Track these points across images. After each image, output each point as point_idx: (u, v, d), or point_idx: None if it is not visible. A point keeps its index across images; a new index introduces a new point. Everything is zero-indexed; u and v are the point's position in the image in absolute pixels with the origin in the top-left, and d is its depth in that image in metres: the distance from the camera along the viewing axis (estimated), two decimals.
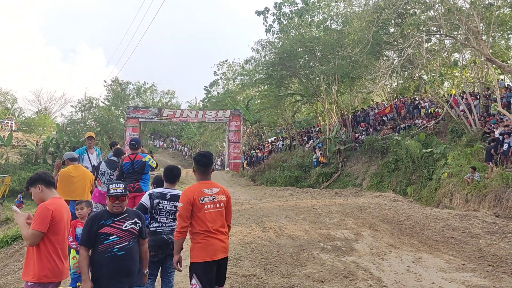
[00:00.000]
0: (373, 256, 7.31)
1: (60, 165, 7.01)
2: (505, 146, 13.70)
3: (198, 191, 3.98)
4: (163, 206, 4.62)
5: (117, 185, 4.00)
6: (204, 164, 4.14)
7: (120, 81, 50.70)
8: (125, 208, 4.02)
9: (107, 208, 4.01)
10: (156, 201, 4.63)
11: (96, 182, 7.74)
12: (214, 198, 4.02)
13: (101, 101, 50.15)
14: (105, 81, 65.98)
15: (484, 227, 9.15)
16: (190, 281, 3.98)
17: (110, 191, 3.94)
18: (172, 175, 4.80)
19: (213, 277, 3.97)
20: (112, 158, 8.18)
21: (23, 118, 62.72)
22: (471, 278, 6.12)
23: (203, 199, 3.96)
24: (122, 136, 35.95)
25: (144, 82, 56.68)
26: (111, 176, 7.65)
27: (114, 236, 3.82)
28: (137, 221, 3.99)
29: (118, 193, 3.93)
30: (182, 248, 4.15)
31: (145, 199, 4.68)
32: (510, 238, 8.24)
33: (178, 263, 4.07)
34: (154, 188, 5.03)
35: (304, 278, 6.13)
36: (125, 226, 3.90)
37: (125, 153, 8.92)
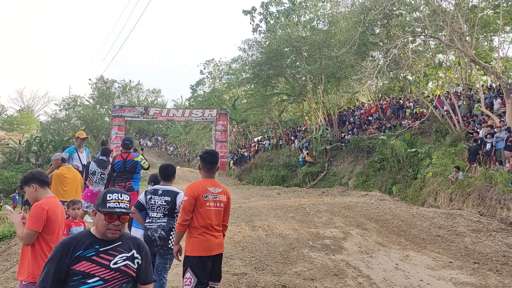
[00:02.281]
0: (361, 254, 7.42)
1: (59, 163, 6.95)
2: (488, 146, 13.98)
3: (203, 188, 4.08)
4: (154, 201, 4.73)
5: (120, 195, 2.59)
6: (210, 161, 4.25)
7: (105, 79, 50.30)
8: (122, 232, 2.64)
9: (92, 230, 2.60)
10: (148, 197, 4.76)
11: (87, 182, 7.72)
12: (216, 197, 4.12)
13: (86, 100, 49.67)
14: (90, 79, 65.21)
15: (469, 225, 9.35)
16: (184, 274, 4.02)
17: (108, 204, 2.52)
18: (167, 173, 4.92)
19: (208, 272, 4.05)
20: (100, 157, 8.19)
21: (5, 117, 61.62)
22: (458, 275, 6.26)
23: (206, 196, 4.06)
24: (108, 134, 35.61)
25: (130, 80, 56.27)
26: (102, 175, 7.65)
27: (96, 279, 2.45)
28: (136, 255, 2.60)
29: (123, 210, 2.54)
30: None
31: (141, 197, 4.83)
32: (495, 236, 8.45)
33: (178, 253, 4.16)
34: (152, 186, 5.09)
35: (294, 276, 6.19)
36: (115, 263, 2.51)
37: (112, 151, 8.93)
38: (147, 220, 4.74)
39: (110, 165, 7.77)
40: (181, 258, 4.17)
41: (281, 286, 5.69)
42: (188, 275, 3.97)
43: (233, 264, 6.70)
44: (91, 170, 7.86)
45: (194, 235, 4.00)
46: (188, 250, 4.03)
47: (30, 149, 40.04)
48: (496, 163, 13.47)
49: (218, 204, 4.12)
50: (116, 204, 2.53)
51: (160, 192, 4.75)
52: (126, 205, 2.57)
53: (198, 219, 4.01)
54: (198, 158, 4.83)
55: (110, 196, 2.55)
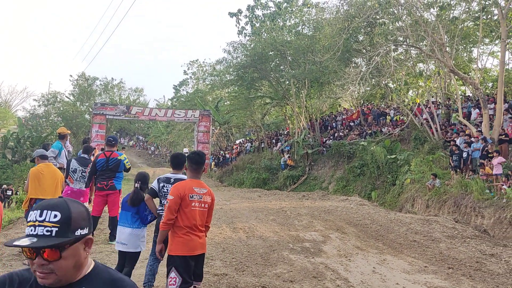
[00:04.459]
0: (340, 257, 7.54)
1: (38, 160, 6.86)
2: (465, 155, 14.35)
3: (189, 188, 4.12)
4: (167, 189, 4.83)
5: (40, 214, 1.45)
6: (196, 162, 4.29)
7: (87, 76, 49.59)
8: None
9: None
10: (161, 185, 4.92)
11: (67, 180, 7.65)
12: (201, 198, 4.17)
13: (66, 96, 48.87)
14: (71, 76, 64.02)
15: (444, 231, 9.59)
16: (168, 274, 4.06)
17: (26, 229, 1.49)
18: (178, 162, 5.08)
19: (192, 271, 4.11)
20: (82, 155, 8.12)
21: None
22: (433, 279, 6.43)
23: (192, 196, 4.10)
24: (88, 132, 35.15)
25: (112, 78, 55.49)
26: (83, 173, 7.58)
27: None
28: None
29: (33, 244, 1.39)
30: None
31: (154, 184, 4.98)
32: (469, 242, 8.69)
33: (161, 252, 4.25)
34: (139, 184, 5.13)
35: (274, 278, 6.26)
36: None
37: (94, 148, 8.88)
38: (159, 208, 4.95)
39: (91, 163, 7.71)
40: (161, 258, 4.23)
41: (261, 287, 5.75)
42: (172, 274, 4.01)
43: (214, 264, 6.74)
44: (72, 168, 7.75)
45: (179, 235, 4.05)
46: (172, 249, 4.07)
47: (7, 145, 39.15)
48: (471, 172, 13.84)
49: (203, 205, 4.18)
50: (31, 230, 1.44)
51: (172, 180, 4.90)
52: (48, 230, 1.42)
53: (183, 219, 4.05)
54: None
55: (30, 215, 1.47)
